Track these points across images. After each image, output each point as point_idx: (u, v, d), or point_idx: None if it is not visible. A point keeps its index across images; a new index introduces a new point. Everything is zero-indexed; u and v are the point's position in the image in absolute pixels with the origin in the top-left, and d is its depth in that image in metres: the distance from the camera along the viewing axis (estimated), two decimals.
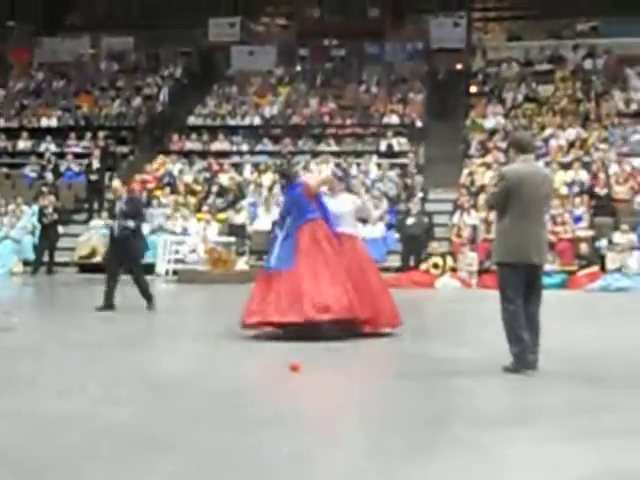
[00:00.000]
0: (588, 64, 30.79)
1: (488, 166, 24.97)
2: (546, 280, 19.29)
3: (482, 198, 23.07)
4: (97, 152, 26.64)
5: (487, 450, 5.75)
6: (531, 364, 8.44)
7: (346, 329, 10.79)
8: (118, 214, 14.21)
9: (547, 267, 19.75)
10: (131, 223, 14.11)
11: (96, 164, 26.13)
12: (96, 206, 25.59)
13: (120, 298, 14.28)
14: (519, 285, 8.63)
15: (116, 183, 15.27)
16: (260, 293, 10.99)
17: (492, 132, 27.22)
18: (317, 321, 10.59)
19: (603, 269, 20.14)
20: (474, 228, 22.06)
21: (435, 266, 20.44)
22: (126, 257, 14.41)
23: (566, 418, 6.72)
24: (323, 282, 10.73)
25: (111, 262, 14.84)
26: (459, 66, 32.91)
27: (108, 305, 14.02)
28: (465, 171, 25.06)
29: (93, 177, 25.96)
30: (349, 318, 10.77)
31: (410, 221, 22.35)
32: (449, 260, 20.50)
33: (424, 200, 23.84)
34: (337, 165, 12.21)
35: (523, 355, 8.46)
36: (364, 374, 8.88)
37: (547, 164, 24.85)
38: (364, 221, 22.27)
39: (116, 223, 14.21)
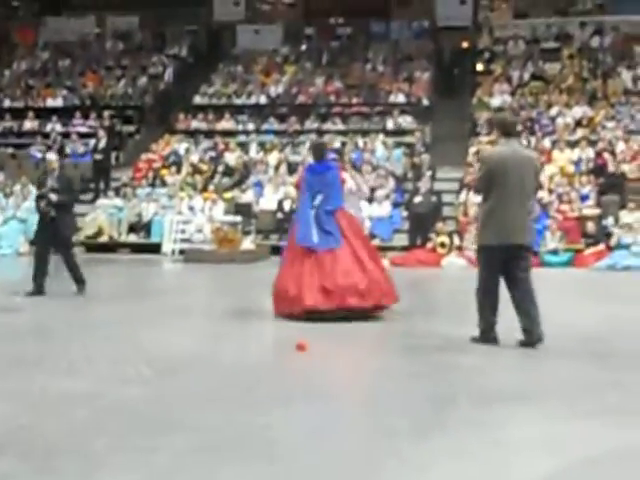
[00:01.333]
0: (595, 42, 30.64)
1: (494, 144, 24.87)
2: (553, 258, 19.65)
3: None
4: (103, 132, 26.61)
5: (493, 429, 5.77)
6: (538, 337, 8.64)
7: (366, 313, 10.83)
8: (47, 190, 13.18)
9: (553, 245, 19.98)
10: (55, 197, 13.07)
11: (102, 144, 26.10)
12: (102, 186, 25.59)
13: (126, 277, 14.30)
14: (497, 267, 8.80)
15: (51, 156, 14.18)
16: (299, 272, 10.77)
17: (499, 110, 27.12)
18: (355, 307, 10.64)
19: (610, 248, 20.09)
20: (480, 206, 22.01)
21: (442, 245, 20.42)
22: (53, 237, 13.27)
23: (572, 396, 6.73)
24: (361, 267, 10.78)
25: (38, 242, 13.80)
26: (465, 44, 32.79)
27: (38, 290, 12.98)
28: (472, 149, 24.99)
29: (99, 157, 25.93)
30: (378, 305, 10.89)
31: (417, 200, 22.31)
32: (455, 239, 20.47)
33: (432, 179, 23.78)
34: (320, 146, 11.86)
35: (488, 332, 8.80)
36: (370, 353, 8.90)
37: (554, 142, 24.83)
38: (370, 200, 22.36)
39: (44, 201, 13.17)
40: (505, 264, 8.81)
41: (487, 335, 8.82)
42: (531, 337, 8.66)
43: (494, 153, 9.08)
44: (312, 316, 10.40)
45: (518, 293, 8.80)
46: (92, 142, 26.67)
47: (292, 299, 10.64)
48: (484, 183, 8.85)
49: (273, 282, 11.04)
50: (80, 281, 13.28)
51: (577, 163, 23.71)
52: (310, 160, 11.71)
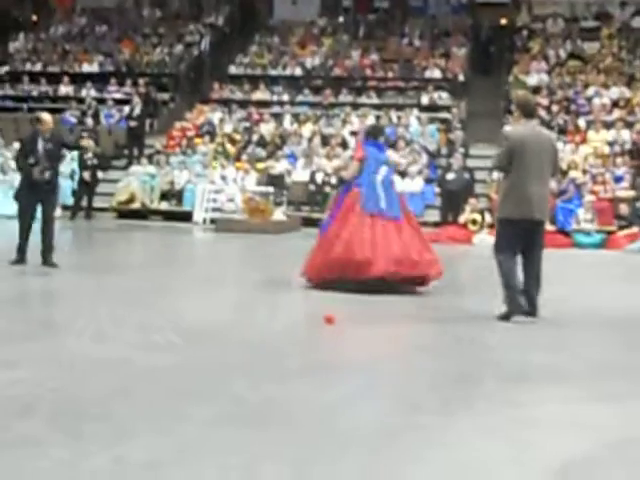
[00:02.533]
0: (636, 22, 30.29)
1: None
2: (584, 239, 19.53)
3: None
4: (137, 99, 26.65)
5: (517, 408, 5.76)
6: (531, 310, 8.90)
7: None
8: (41, 154, 12.16)
9: (586, 226, 19.86)
10: (55, 166, 12.42)
11: (137, 111, 26.16)
12: (136, 152, 25.66)
13: (157, 245, 14.32)
14: (515, 240, 9.03)
15: (45, 116, 12.85)
16: (369, 238, 10.85)
17: (535, 89, 26.92)
18: (413, 277, 10.88)
19: None
20: None
21: (473, 222, 20.35)
22: (45, 203, 12.33)
23: (598, 379, 6.69)
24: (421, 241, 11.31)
25: (27, 209, 12.40)
26: (503, 21, 32.52)
27: (21, 259, 12.19)
28: (506, 128, 24.85)
29: (133, 123, 25.99)
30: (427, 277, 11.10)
31: (450, 176, 22.24)
32: (487, 216, 20.38)
33: (465, 156, 23.67)
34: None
35: (515, 300, 8.91)
36: (398, 329, 8.88)
37: (589, 123, 24.63)
38: (402, 174, 22.27)
39: (38, 167, 12.10)
40: (522, 238, 9.04)
41: (515, 303, 8.92)
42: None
43: (516, 132, 9.33)
44: (368, 286, 10.49)
45: (526, 268, 9.09)
46: (126, 109, 26.74)
47: (359, 264, 10.68)
48: (505, 159, 9.09)
49: (322, 248, 11.00)
50: (50, 250, 12.22)
51: (612, 144, 23.52)
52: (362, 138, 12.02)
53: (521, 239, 9.04)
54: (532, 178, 8.91)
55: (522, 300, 8.93)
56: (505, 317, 8.89)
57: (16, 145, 24.61)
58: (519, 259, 9.11)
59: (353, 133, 24.44)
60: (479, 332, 8.45)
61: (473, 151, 24.59)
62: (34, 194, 12.15)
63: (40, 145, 12.20)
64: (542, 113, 24.98)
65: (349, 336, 8.32)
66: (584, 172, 21.91)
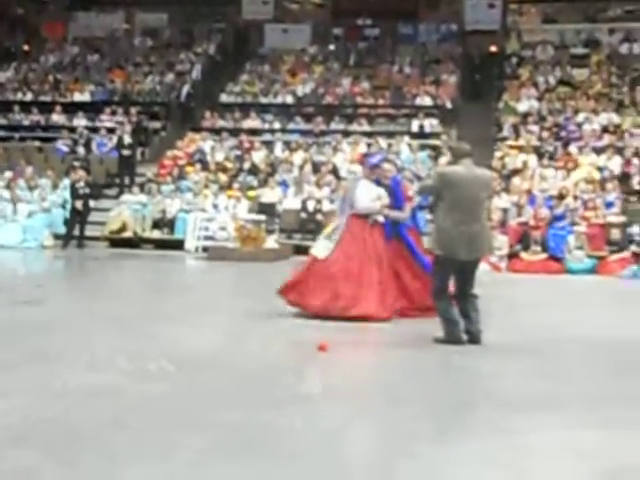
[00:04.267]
0: (624, 48, 30.52)
1: (520, 149, 24.86)
2: (576, 265, 19.53)
3: (514, 181, 22.99)
4: (129, 127, 26.72)
5: (514, 435, 5.74)
6: (474, 337, 9.09)
7: None
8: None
9: (577, 253, 19.88)
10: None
11: (128, 139, 26.19)
12: (127, 181, 25.68)
13: (149, 273, 14.32)
14: (448, 274, 9.20)
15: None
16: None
17: (525, 115, 27.07)
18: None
19: (636, 255, 19.94)
20: (505, 211, 21.94)
21: None
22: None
23: (596, 406, 6.67)
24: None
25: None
26: (493, 48, 32.71)
27: None
28: (497, 154, 24.95)
29: (125, 152, 26.03)
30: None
31: None
32: None
33: None
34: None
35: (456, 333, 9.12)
36: (391, 355, 8.87)
37: (580, 149, 24.72)
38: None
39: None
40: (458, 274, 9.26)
41: (454, 334, 9.12)
42: (473, 337, 9.11)
43: (453, 170, 9.33)
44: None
45: (463, 302, 9.23)
46: (115, 137, 26.77)
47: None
48: (432, 192, 9.41)
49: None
50: None
51: (602, 170, 23.60)
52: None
53: (450, 272, 9.21)
54: (463, 216, 9.00)
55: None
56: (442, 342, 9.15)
57: (7, 174, 24.72)
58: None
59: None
60: (473, 359, 8.44)
61: None
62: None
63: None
64: (532, 138, 25.12)
65: (342, 364, 8.31)
66: (575, 198, 21.98)
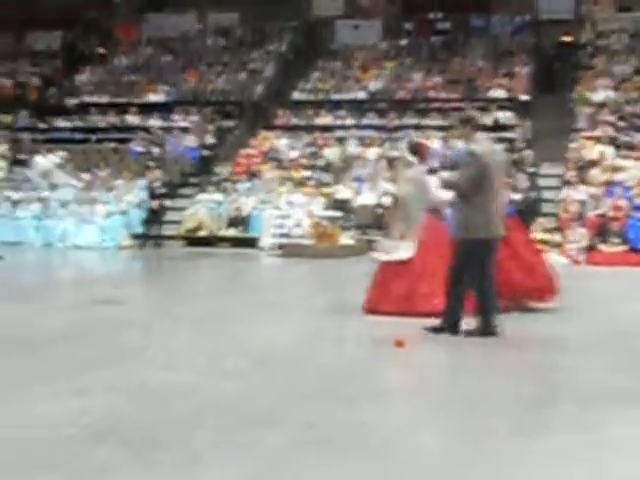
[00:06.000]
0: None
1: (597, 140, 24.50)
2: None
3: (591, 173, 22.66)
4: (211, 127, 27.04)
5: (592, 431, 5.66)
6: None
7: None
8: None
9: None
10: None
11: (210, 139, 26.52)
12: (204, 180, 25.88)
13: (225, 271, 14.37)
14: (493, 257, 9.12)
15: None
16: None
17: (601, 105, 26.67)
18: None
19: None
20: (582, 203, 21.63)
21: (542, 242, 20.13)
22: None
23: None
24: None
25: None
26: (567, 38, 32.27)
27: None
28: (573, 145, 24.62)
29: (207, 152, 26.35)
30: None
31: (517, 197, 22.05)
32: (556, 236, 20.16)
33: (535, 175, 23.43)
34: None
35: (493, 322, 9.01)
36: (467, 351, 8.79)
37: None
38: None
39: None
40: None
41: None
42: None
43: (484, 149, 9.27)
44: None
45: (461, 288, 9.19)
46: (188, 137, 27.05)
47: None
48: (478, 180, 9.00)
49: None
50: None
51: None
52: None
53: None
54: (496, 195, 9.04)
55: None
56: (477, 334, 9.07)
57: (85, 176, 25.05)
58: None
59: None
60: (551, 354, 8.34)
61: (540, 170, 24.36)
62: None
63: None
64: (608, 129, 24.75)
65: (419, 360, 8.27)
66: None
